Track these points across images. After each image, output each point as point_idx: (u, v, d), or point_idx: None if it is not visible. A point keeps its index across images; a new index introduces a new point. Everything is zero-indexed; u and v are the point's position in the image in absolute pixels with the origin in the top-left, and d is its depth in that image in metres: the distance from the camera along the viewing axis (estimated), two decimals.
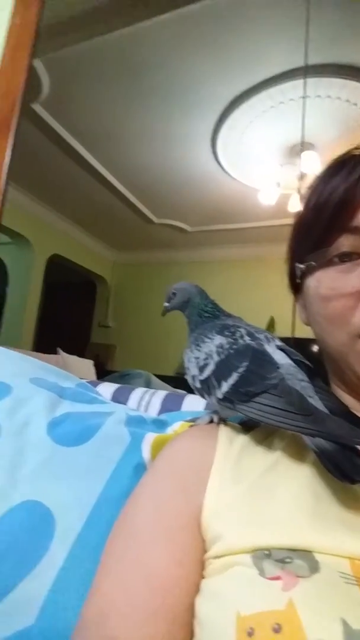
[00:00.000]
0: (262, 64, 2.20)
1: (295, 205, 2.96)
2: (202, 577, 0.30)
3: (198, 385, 0.41)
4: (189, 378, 0.43)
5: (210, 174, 3.37)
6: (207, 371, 0.40)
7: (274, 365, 0.36)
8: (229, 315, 0.48)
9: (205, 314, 0.46)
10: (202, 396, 0.41)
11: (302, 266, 0.39)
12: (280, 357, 0.38)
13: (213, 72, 2.29)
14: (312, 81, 2.20)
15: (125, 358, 5.16)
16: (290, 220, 0.44)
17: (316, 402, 0.34)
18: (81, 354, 3.82)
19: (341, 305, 0.35)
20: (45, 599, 0.37)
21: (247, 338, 0.40)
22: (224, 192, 3.65)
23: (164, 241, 4.94)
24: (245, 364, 0.36)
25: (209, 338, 0.42)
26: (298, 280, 0.41)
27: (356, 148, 0.38)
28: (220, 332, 0.42)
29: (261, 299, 4.14)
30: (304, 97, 2.23)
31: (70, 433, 0.47)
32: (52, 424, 0.49)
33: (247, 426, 0.42)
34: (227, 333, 0.41)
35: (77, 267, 5.03)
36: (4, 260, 4.35)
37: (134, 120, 2.79)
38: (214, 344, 0.41)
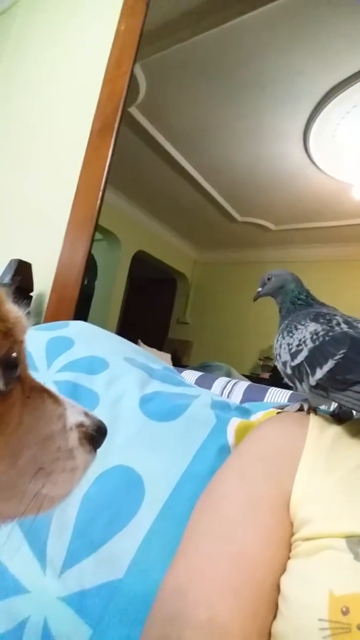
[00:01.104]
0: None
1: None
2: (289, 557, 0.30)
3: (289, 371, 0.41)
4: (279, 364, 0.43)
5: (300, 170, 3.24)
6: (300, 357, 0.39)
7: None
8: (323, 304, 0.46)
9: (299, 302, 0.45)
10: (293, 383, 0.41)
11: None
12: None
13: (307, 64, 2.20)
14: None
15: (201, 355, 5.21)
16: None
17: None
18: (159, 349, 3.95)
19: None
20: (134, 557, 0.40)
21: (344, 326, 0.39)
22: (313, 188, 3.49)
23: (246, 240, 4.88)
24: (342, 351, 0.35)
25: (302, 325, 0.41)
26: None
27: None
28: (315, 319, 0.41)
29: (346, 302, 3.87)
30: None
31: (160, 409, 0.50)
32: (144, 399, 0.52)
33: (338, 418, 0.40)
34: (322, 320, 0.40)
35: (159, 263, 5.21)
36: (95, 256, 4.68)
37: (224, 118, 2.80)
38: (307, 330, 0.40)
